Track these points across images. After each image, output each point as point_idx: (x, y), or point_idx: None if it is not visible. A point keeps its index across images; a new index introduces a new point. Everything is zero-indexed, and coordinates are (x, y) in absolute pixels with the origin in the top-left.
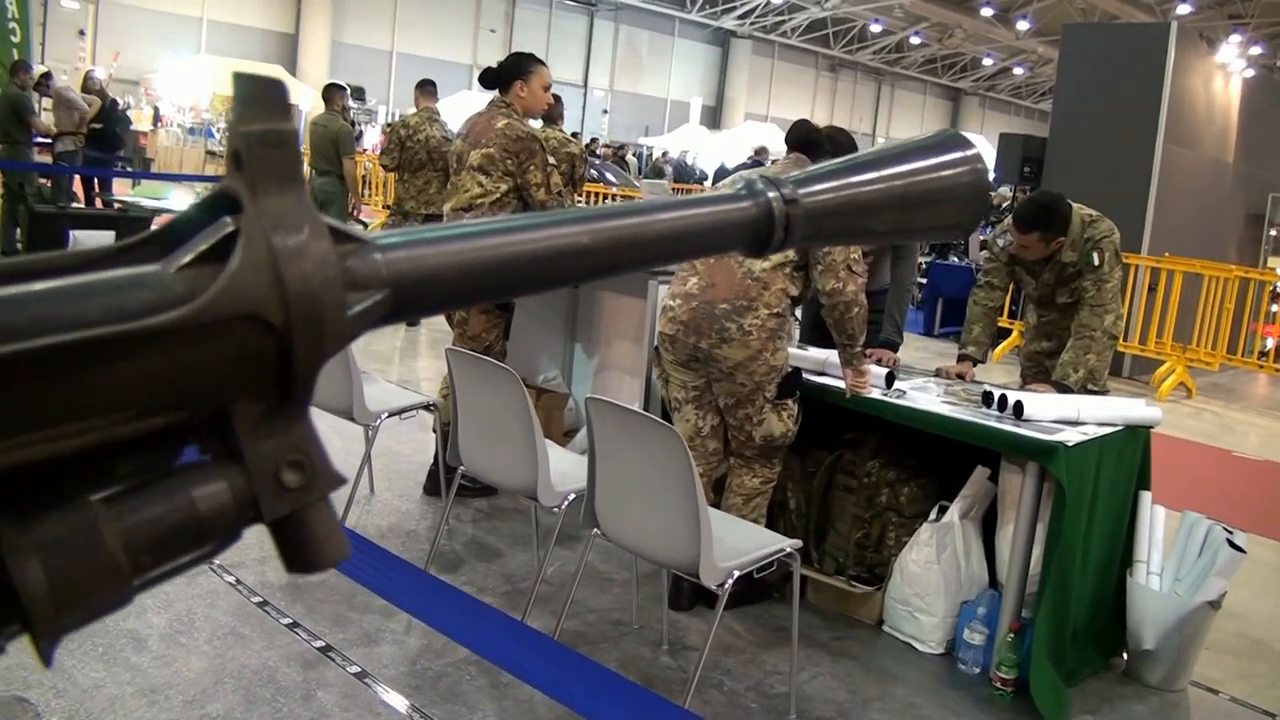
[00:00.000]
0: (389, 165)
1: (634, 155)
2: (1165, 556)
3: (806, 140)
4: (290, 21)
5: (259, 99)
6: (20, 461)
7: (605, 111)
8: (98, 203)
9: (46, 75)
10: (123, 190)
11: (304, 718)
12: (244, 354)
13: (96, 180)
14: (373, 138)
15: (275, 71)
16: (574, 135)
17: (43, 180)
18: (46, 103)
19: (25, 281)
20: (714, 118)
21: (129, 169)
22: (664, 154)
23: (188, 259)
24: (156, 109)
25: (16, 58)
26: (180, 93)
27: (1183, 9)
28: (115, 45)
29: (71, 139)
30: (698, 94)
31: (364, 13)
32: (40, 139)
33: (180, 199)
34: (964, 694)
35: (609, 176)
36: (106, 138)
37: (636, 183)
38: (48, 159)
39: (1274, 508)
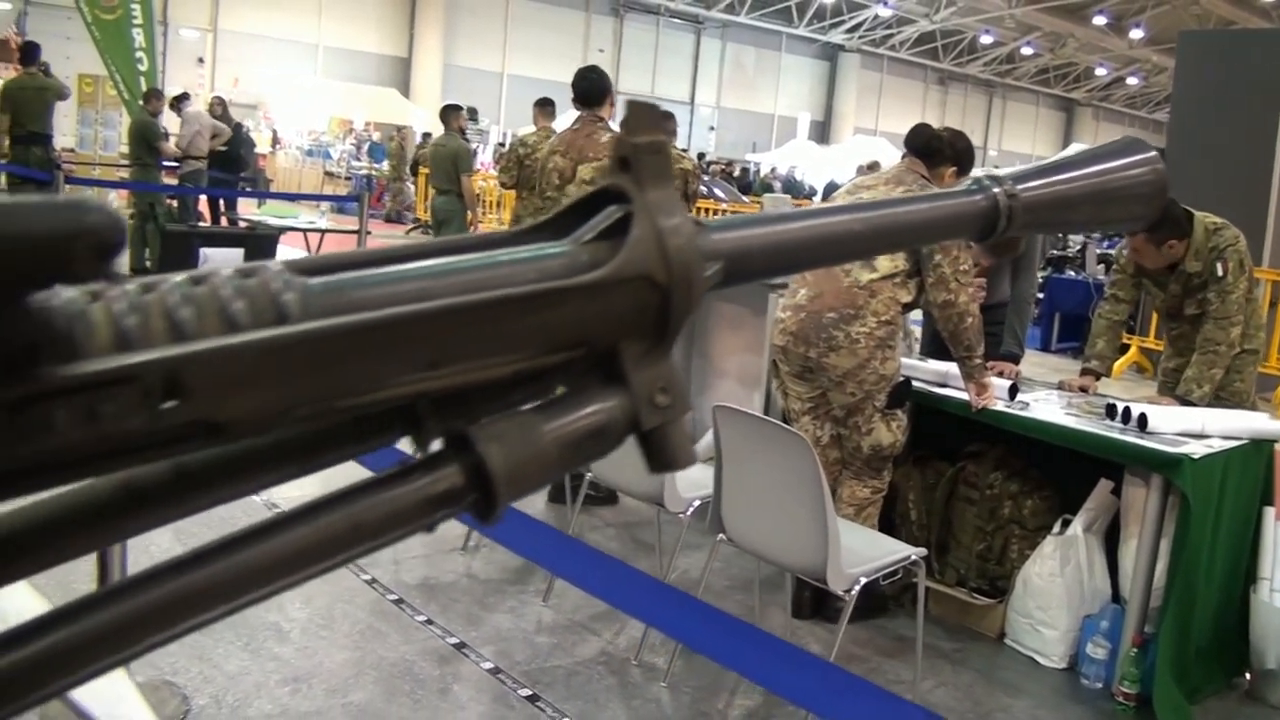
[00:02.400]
0: (508, 183)
1: (740, 170)
2: None
3: (927, 147)
4: (404, 45)
5: (643, 118)
6: (481, 380)
7: (712, 128)
8: (223, 221)
9: (182, 96)
10: (247, 209)
11: (441, 709)
12: (637, 305)
13: (222, 200)
14: (485, 157)
15: (389, 94)
16: (683, 152)
17: (169, 201)
18: (175, 125)
19: (461, 253)
20: (822, 133)
21: (249, 189)
22: (772, 170)
23: (590, 236)
24: (275, 132)
25: (145, 86)
26: (298, 116)
27: None
28: (233, 72)
29: (197, 161)
30: (805, 109)
31: (475, 36)
32: (166, 163)
33: (306, 217)
34: (1086, 709)
35: (718, 192)
36: (232, 160)
37: (745, 199)
38: (173, 181)
39: None
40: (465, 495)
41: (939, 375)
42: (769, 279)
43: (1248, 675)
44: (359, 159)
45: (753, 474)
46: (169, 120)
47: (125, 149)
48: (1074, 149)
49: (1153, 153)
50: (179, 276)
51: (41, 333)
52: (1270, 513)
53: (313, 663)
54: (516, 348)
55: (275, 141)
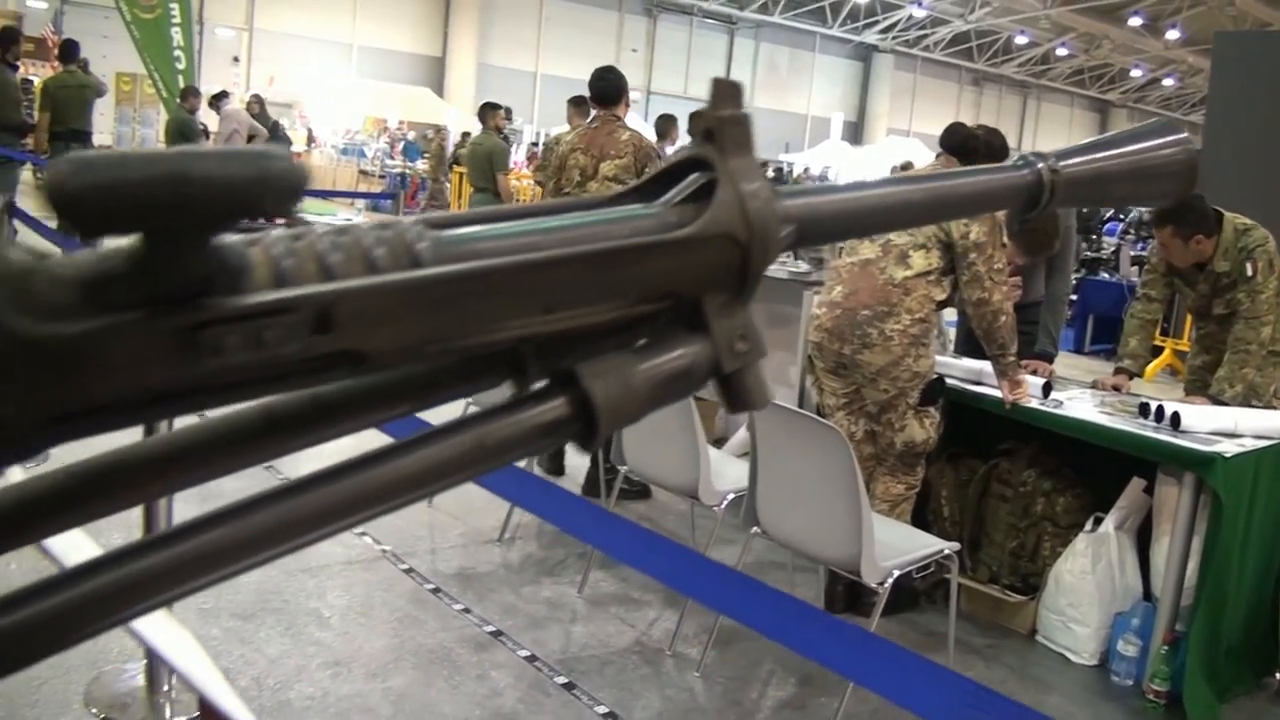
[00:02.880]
0: (544, 181)
1: (773, 170)
2: None
3: (963, 145)
4: (438, 45)
5: (725, 94)
6: (582, 327)
7: None
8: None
9: (221, 94)
10: None
11: (479, 694)
12: (720, 260)
13: None
14: (518, 156)
15: (423, 94)
16: None
17: None
18: (212, 123)
19: (563, 214)
20: (855, 133)
21: None
22: (805, 170)
23: (678, 199)
24: (309, 130)
25: (184, 84)
26: (332, 115)
27: None
28: (268, 71)
29: None
30: (839, 109)
31: (509, 36)
32: None
33: (343, 214)
34: (1117, 705)
35: None
36: None
37: None
38: None
39: None
40: (571, 424)
41: (973, 373)
42: (836, 241)
43: (1278, 675)
44: (393, 158)
45: (788, 467)
46: (206, 118)
47: (162, 146)
48: None
49: (1184, 134)
50: (323, 228)
51: (217, 267)
52: None
53: (353, 648)
54: (615, 296)
55: (310, 140)
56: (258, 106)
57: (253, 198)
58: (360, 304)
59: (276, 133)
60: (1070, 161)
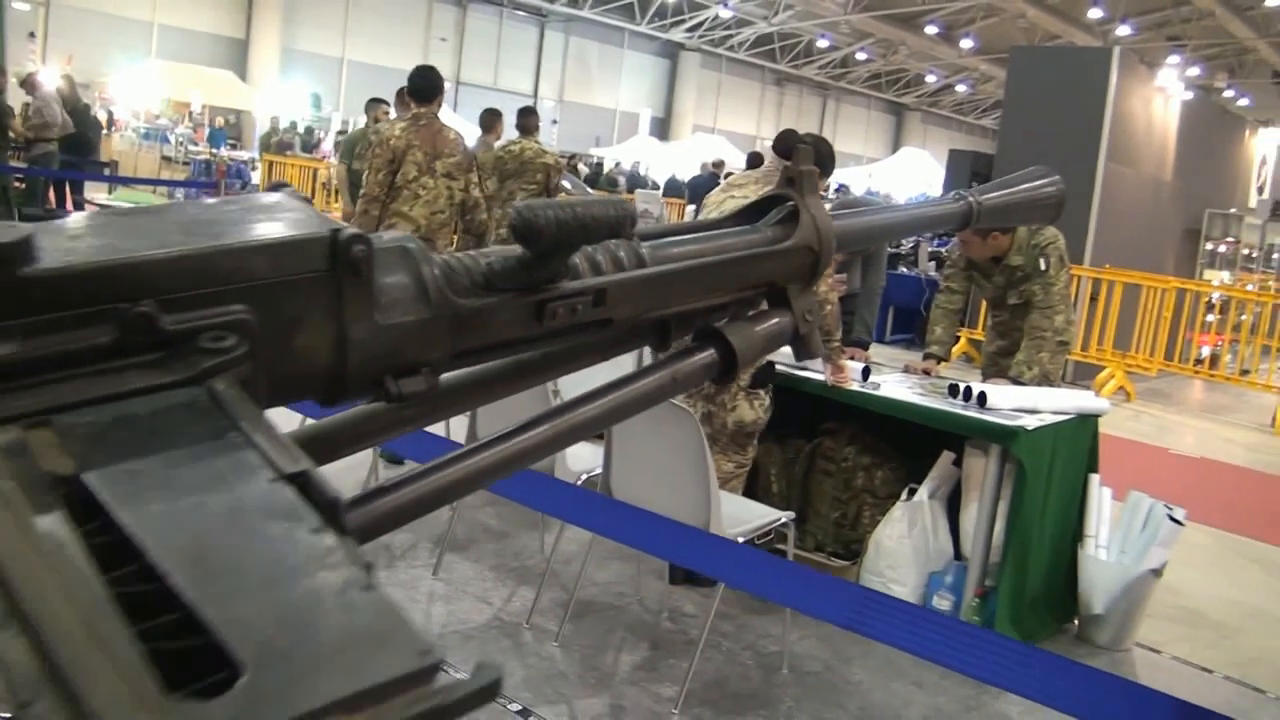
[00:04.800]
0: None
1: (584, 165)
2: (1112, 531)
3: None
4: (241, 27)
5: (804, 154)
6: (712, 305)
7: (554, 121)
8: (69, 204)
9: (33, 75)
10: (95, 193)
11: None
12: (801, 263)
13: (69, 183)
14: (327, 145)
15: (226, 77)
16: (548, 149)
17: (17, 184)
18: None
19: (681, 233)
20: (663, 129)
21: (109, 174)
22: (616, 164)
23: (773, 224)
24: (110, 113)
25: None
26: (133, 97)
27: (1123, 30)
28: (66, 48)
29: (47, 144)
30: (647, 105)
31: (315, 20)
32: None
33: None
34: None
35: (565, 185)
36: (81, 142)
37: (590, 191)
38: (18, 163)
39: (1207, 498)
40: (718, 366)
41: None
42: (858, 249)
43: (1076, 621)
44: (196, 143)
45: (641, 445)
46: (12, 98)
47: None
48: (904, 153)
49: (1058, 176)
50: None
51: (565, 266)
52: (1095, 479)
53: None
54: (738, 283)
55: (110, 123)
56: (68, 88)
57: (616, 228)
58: (619, 290)
59: (87, 116)
60: (988, 196)
